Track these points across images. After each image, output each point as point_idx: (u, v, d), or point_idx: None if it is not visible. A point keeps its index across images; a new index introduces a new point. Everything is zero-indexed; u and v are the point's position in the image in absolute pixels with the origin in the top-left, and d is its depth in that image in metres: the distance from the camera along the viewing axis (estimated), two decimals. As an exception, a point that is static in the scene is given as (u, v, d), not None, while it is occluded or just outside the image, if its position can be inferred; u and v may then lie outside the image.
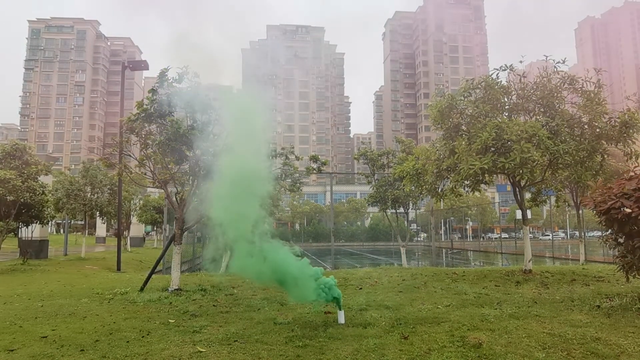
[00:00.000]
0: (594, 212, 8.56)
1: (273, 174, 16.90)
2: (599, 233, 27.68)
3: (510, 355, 5.33)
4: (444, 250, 55.81)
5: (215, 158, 9.76)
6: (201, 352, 5.73)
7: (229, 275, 14.51)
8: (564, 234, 75.82)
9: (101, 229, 52.89)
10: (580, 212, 20.72)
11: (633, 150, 12.01)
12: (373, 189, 23.04)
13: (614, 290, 9.38)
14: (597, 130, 11.95)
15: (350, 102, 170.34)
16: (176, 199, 11.90)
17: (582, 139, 12.15)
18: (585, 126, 12.34)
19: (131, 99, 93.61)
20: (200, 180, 11.30)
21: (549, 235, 67.43)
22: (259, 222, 7.54)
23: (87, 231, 32.57)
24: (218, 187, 8.29)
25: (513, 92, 13.01)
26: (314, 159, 16.58)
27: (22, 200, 18.28)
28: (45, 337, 6.60)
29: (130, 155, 12.98)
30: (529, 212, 16.26)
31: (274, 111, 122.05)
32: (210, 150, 10.73)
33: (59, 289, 12.04)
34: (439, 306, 8.35)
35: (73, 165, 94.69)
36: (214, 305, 9.04)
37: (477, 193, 14.36)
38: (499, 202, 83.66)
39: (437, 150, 13.68)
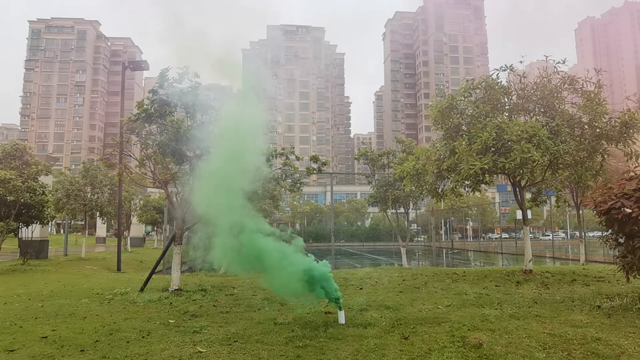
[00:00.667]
0: (594, 212, 8.55)
1: (272, 173, 16.93)
2: (599, 233, 27.67)
3: (511, 355, 5.32)
4: (444, 250, 55.79)
5: (211, 155, 9.67)
6: (201, 352, 5.73)
7: (229, 275, 14.53)
8: (564, 234, 75.82)
9: (101, 229, 52.95)
10: (581, 212, 20.72)
11: (633, 150, 12.01)
12: (373, 189, 23.03)
13: (614, 291, 9.38)
14: (598, 130, 11.95)
15: (351, 102, 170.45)
16: (176, 199, 11.90)
17: (582, 139, 12.15)
18: (586, 126, 12.34)
19: (131, 99, 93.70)
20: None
21: (549, 235, 67.44)
22: (243, 213, 7.40)
23: (87, 231, 32.61)
24: (204, 179, 8.18)
25: (513, 93, 13.02)
26: (314, 159, 16.56)
27: (22, 200, 18.28)
28: (46, 337, 6.60)
29: (130, 156, 12.98)
30: (529, 213, 16.26)
31: (275, 111, 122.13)
32: (210, 150, 10.72)
33: (59, 289, 12.04)
34: (440, 306, 8.35)
35: (73, 166, 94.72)
36: (214, 306, 9.04)
37: (477, 193, 14.36)
38: (499, 202, 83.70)
39: (438, 150, 13.67)
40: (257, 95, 8.76)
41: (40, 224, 20.69)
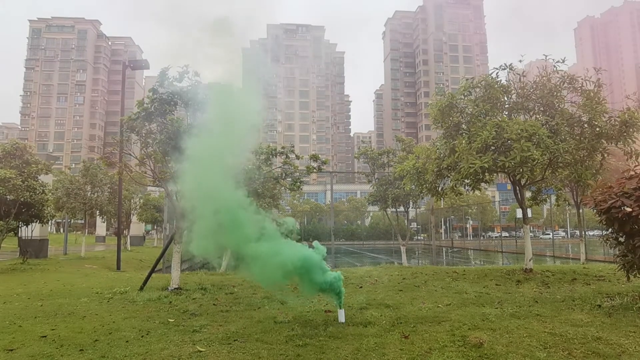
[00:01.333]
0: (595, 211, 8.54)
1: (272, 172, 16.92)
2: (600, 232, 27.69)
3: (512, 355, 5.31)
4: (444, 249, 55.82)
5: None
6: (201, 351, 5.71)
7: (229, 273, 14.51)
8: (564, 233, 75.95)
9: (101, 228, 52.90)
10: (581, 211, 20.74)
11: (633, 149, 12.00)
12: (373, 187, 23.07)
13: (614, 290, 9.37)
14: (597, 129, 11.95)
15: (351, 101, 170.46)
16: (176, 197, 11.88)
17: (582, 138, 12.16)
18: (585, 125, 12.34)
19: (132, 98, 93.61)
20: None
21: (549, 234, 67.48)
22: (224, 189, 7.09)
23: (87, 230, 32.59)
24: (189, 167, 7.92)
25: (513, 91, 13.02)
26: (314, 158, 16.58)
27: (22, 199, 18.25)
28: (45, 336, 6.58)
29: (130, 154, 12.97)
30: (529, 211, 16.26)
31: (275, 110, 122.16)
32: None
33: (58, 289, 12.03)
34: (440, 305, 8.34)
35: (73, 165, 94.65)
36: (214, 304, 9.03)
37: (477, 192, 14.35)
38: (499, 201, 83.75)
39: (438, 149, 13.68)
40: (249, 74, 8.60)
41: (40, 223, 20.66)
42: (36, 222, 20.27)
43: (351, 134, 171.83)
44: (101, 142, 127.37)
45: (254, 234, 6.94)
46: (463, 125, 13.11)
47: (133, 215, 40.95)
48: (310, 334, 6.36)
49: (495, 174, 13.32)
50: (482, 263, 33.90)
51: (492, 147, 11.88)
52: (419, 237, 74.50)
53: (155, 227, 54.62)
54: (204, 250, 7.33)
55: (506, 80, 13.11)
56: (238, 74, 9.10)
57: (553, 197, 20.98)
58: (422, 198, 25.03)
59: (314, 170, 16.55)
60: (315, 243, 7.28)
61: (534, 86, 12.70)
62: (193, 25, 9.01)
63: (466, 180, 12.73)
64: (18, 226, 19.74)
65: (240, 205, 7.07)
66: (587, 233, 34.34)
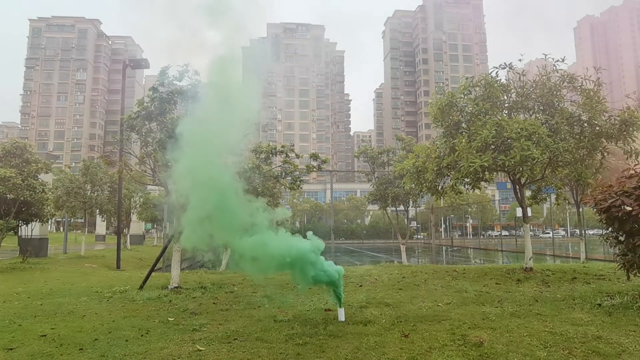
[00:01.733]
0: (595, 210, 8.54)
1: (272, 171, 16.91)
2: (600, 231, 27.72)
3: (512, 354, 5.30)
4: (444, 247, 55.85)
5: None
6: (200, 350, 5.71)
7: (229, 272, 14.50)
8: (564, 232, 75.97)
9: (101, 226, 52.92)
10: (581, 210, 20.73)
11: (633, 148, 12.00)
12: (373, 186, 23.08)
13: (614, 289, 9.36)
14: (597, 128, 11.96)
15: (351, 100, 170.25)
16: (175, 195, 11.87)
17: (581, 137, 12.16)
18: (585, 124, 12.34)
19: (132, 97, 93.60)
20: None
21: (549, 233, 67.51)
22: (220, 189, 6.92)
23: (86, 229, 32.58)
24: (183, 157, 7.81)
25: (513, 90, 13.02)
26: (314, 157, 16.60)
27: (22, 198, 18.26)
28: (45, 335, 6.57)
29: (130, 153, 12.97)
30: (529, 210, 16.26)
31: (275, 109, 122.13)
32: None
33: (58, 288, 12.02)
34: (440, 304, 8.33)
35: (73, 164, 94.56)
36: (213, 303, 9.02)
37: (477, 191, 14.35)
38: (499, 200, 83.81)
39: (438, 148, 13.67)
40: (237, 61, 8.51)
41: (40, 221, 20.68)
42: (36, 221, 20.28)
43: (351, 133, 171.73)
44: (101, 141, 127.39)
45: (245, 224, 6.85)
46: (463, 124, 13.11)
47: (133, 214, 40.95)
48: (310, 333, 6.36)
49: (495, 173, 13.32)
50: (482, 262, 33.90)
51: (492, 146, 11.88)
52: (418, 236, 74.59)
53: (155, 226, 54.63)
54: (197, 242, 7.24)
55: (506, 79, 13.13)
56: (238, 57, 9.02)
57: (553, 196, 20.98)
58: (422, 197, 25.02)
59: (314, 169, 16.58)
60: (309, 234, 7.11)
61: (534, 85, 12.71)
62: (191, 14, 8.92)
63: (466, 179, 12.73)
64: (18, 225, 19.74)
65: (231, 196, 6.98)
66: (587, 232, 34.37)
